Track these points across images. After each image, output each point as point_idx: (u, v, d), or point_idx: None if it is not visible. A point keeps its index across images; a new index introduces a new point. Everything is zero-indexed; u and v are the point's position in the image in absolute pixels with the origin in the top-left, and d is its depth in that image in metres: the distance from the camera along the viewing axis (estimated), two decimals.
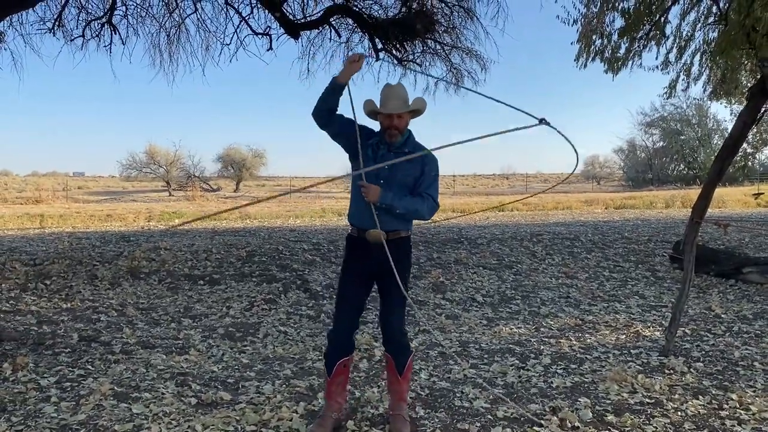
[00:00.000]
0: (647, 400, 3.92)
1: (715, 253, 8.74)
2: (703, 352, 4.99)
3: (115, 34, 9.91)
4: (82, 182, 54.34)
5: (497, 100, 3.64)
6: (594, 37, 8.28)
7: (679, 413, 3.71)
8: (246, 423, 3.51)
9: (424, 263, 8.89)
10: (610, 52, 8.27)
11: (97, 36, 9.92)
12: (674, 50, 8.76)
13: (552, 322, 6.07)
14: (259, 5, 9.66)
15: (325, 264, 8.69)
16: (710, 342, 5.31)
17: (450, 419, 3.62)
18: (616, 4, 7.96)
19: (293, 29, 9.48)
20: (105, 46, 10.01)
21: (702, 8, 8.48)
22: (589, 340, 5.40)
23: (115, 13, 9.76)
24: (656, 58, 8.65)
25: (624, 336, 5.56)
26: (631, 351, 5.04)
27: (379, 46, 9.86)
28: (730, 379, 4.35)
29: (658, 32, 8.01)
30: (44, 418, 3.52)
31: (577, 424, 3.54)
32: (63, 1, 9.46)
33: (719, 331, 5.69)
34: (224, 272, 8.10)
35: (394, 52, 10.01)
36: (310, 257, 9.05)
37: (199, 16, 10.07)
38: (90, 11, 9.81)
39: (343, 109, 3.45)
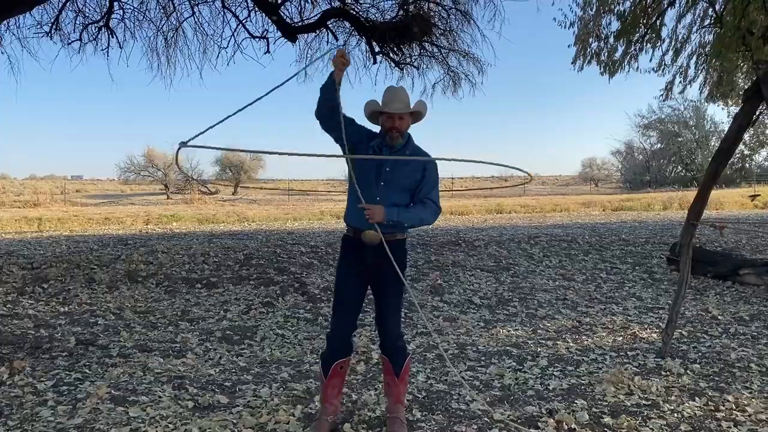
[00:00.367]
0: (644, 401, 3.93)
1: (712, 255, 8.75)
2: (700, 354, 5.00)
3: (113, 37, 9.95)
4: (80, 185, 54.29)
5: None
6: (591, 39, 8.33)
7: (676, 415, 3.72)
8: (243, 426, 3.51)
9: (422, 265, 8.90)
10: (606, 54, 8.32)
11: (94, 40, 9.95)
12: (670, 53, 8.81)
13: (549, 324, 6.08)
14: (256, 9, 9.68)
15: (323, 267, 8.70)
16: (707, 344, 5.32)
17: (447, 421, 3.63)
18: (613, 7, 8.01)
19: (290, 32, 9.51)
20: (102, 50, 10.05)
21: (698, 11, 8.54)
22: (586, 342, 5.41)
23: (113, 16, 9.79)
24: (651, 61, 8.71)
25: (621, 338, 5.57)
26: (628, 353, 5.05)
27: (377, 49, 9.89)
28: (726, 380, 4.36)
29: (653, 35, 8.05)
30: (41, 422, 3.52)
31: (573, 426, 3.54)
32: (60, 5, 9.48)
33: (716, 332, 5.70)
34: (222, 275, 8.10)
35: (391, 55, 10.05)
36: (308, 260, 9.05)
37: (196, 20, 10.11)
38: (87, 15, 9.85)
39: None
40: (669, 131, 46.05)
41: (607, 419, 3.64)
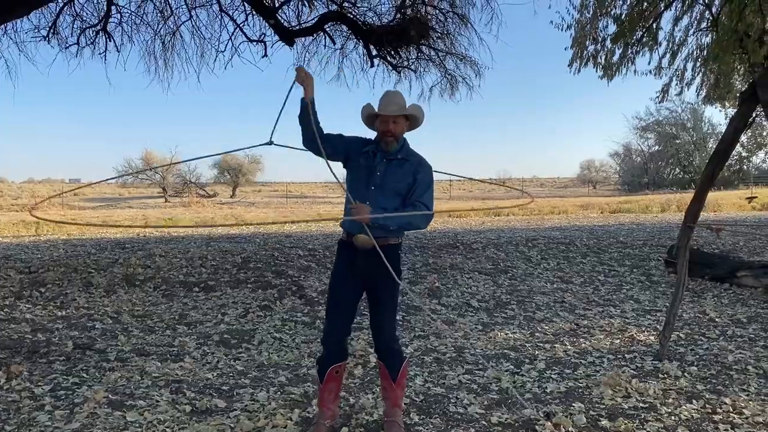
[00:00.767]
0: (641, 404, 3.93)
1: (709, 257, 8.76)
2: (697, 356, 5.01)
3: (110, 41, 9.95)
4: (78, 189, 54.21)
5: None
6: (587, 42, 8.33)
7: (673, 417, 3.72)
8: (240, 430, 3.51)
9: (420, 268, 8.90)
10: (603, 57, 8.32)
11: (91, 43, 9.95)
12: (667, 55, 8.81)
13: (547, 327, 6.08)
14: (253, 12, 9.69)
15: (320, 270, 8.69)
16: (704, 346, 5.32)
17: (444, 425, 3.63)
18: (610, 10, 8.01)
19: (288, 36, 9.52)
20: (100, 54, 10.05)
21: (694, 14, 8.55)
22: (583, 345, 5.41)
23: (110, 20, 9.80)
24: (649, 63, 8.71)
25: (618, 340, 5.57)
26: (626, 355, 5.05)
27: (374, 52, 9.90)
28: (723, 383, 4.36)
29: (650, 38, 8.06)
30: (38, 427, 3.52)
31: (571, 429, 3.55)
32: (57, 9, 9.48)
33: (713, 335, 5.70)
34: (219, 279, 8.09)
35: (388, 58, 10.06)
36: (305, 263, 9.05)
37: (193, 24, 10.11)
38: (85, 19, 9.85)
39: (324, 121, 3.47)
40: (667, 133, 46.14)
41: (604, 422, 3.64)
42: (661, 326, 5.30)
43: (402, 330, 5.86)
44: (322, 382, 3.47)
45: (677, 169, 46.52)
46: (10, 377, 4.33)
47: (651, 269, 9.23)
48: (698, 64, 9.00)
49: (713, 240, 11.34)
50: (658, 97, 9.41)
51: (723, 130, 5.37)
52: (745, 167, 40.71)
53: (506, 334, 5.83)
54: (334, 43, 10.21)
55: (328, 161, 3.41)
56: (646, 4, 7.65)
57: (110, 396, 3.98)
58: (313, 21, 9.81)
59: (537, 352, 5.16)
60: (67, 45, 9.88)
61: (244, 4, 9.81)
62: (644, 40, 8.10)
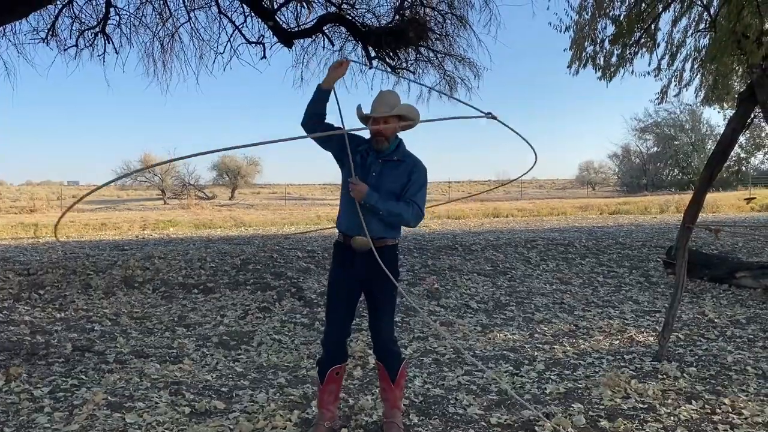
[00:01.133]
0: (640, 405, 3.93)
1: (708, 258, 8.77)
2: (696, 357, 5.01)
3: (109, 43, 9.96)
4: (77, 191, 54.14)
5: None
6: (586, 44, 8.34)
7: (672, 418, 3.72)
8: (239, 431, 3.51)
9: (419, 270, 8.90)
10: (602, 58, 8.33)
11: (90, 45, 9.96)
12: (666, 57, 8.83)
13: (546, 328, 6.08)
14: (252, 14, 9.70)
15: (319, 271, 8.69)
16: (703, 347, 5.33)
17: (444, 426, 3.63)
18: (608, 12, 8.03)
19: (287, 38, 9.52)
20: (99, 56, 10.05)
21: (693, 15, 8.56)
22: (582, 346, 5.42)
23: (109, 22, 9.80)
24: (649, 65, 8.72)
25: (618, 341, 5.58)
26: (625, 356, 5.05)
27: (373, 54, 9.91)
28: (722, 383, 4.37)
29: (649, 39, 8.07)
30: (37, 429, 3.52)
31: (570, 429, 3.55)
32: (56, 11, 9.48)
33: (712, 335, 5.71)
34: (218, 281, 8.09)
35: (387, 60, 10.07)
36: (304, 265, 9.05)
37: (192, 25, 10.12)
38: (83, 21, 9.86)
39: (331, 118, 3.47)
40: (665, 134, 46.16)
41: (603, 423, 3.64)
42: (660, 327, 5.30)
43: (401, 331, 5.86)
44: (322, 384, 3.47)
45: (676, 170, 46.53)
46: (9, 379, 4.33)
47: (650, 270, 9.24)
48: (697, 65, 9.01)
49: (712, 241, 11.35)
50: (657, 98, 9.42)
51: (721, 132, 5.38)
52: (743, 168, 40.70)
53: (505, 335, 5.83)
54: (333, 45, 10.23)
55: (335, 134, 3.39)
56: (644, 5, 7.66)
57: (109, 398, 3.98)
58: (312, 22, 9.82)
59: (536, 353, 5.16)
60: (66, 47, 9.90)
61: (242, 6, 9.82)
62: (643, 41, 8.12)
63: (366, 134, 3.52)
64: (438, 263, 9.38)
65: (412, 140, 4.44)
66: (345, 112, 3.52)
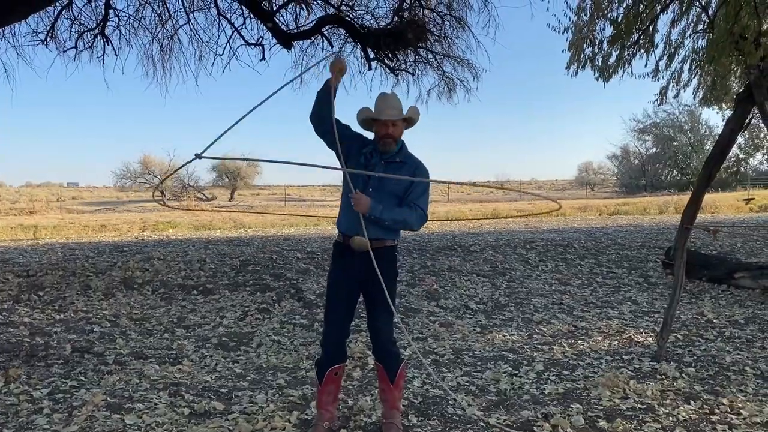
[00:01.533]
0: (639, 405, 3.94)
1: (707, 259, 8.78)
2: (695, 358, 5.02)
3: (108, 45, 9.96)
4: (76, 193, 54.21)
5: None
6: (585, 45, 8.37)
7: (671, 418, 3.73)
8: None
9: (418, 270, 8.91)
10: (600, 60, 8.36)
11: (89, 47, 9.96)
12: (664, 58, 8.86)
13: (545, 329, 6.09)
14: (251, 16, 9.71)
15: (319, 272, 8.70)
16: (702, 347, 5.34)
17: (443, 427, 3.63)
18: (606, 13, 8.05)
19: (286, 39, 9.53)
20: (98, 57, 10.06)
21: (691, 16, 8.59)
22: (581, 347, 5.42)
23: (108, 24, 9.81)
24: (645, 66, 8.75)
25: (616, 342, 5.59)
26: (624, 357, 5.06)
27: (372, 55, 9.92)
28: (721, 383, 4.37)
29: (647, 40, 8.10)
30: (36, 430, 3.52)
31: (569, 430, 3.55)
32: (56, 13, 9.49)
33: (711, 336, 5.72)
34: (218, 282, 8.10)
35: (386, 61, 10.08)
36: (303, 266, 9.05)
37: (191, 27, 10.13)
38: (83, 23, 9.86)
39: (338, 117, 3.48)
40: (664, 135, 46.20)
41: (602, 423, 3.65)
42: (659, 327, 5.31)
43: (399, 332, 5.86)
44: (321, 384, 3.47)
45: (675, 171, 46.57)
46: (8, 381, 4.33)
47: (649, 271, 9.25)
48: (695, 66, 9.04)
49: (711, 241, 11.36)
50: (656, 99, 9.46)
51: (720, 132, 5.40)
52: (742, 169, 40.76)
53: (504, 336, 5.84)
54: (332, 46, 10.23)
55: (337, 144, 3.40)
56: (642, 6, 7.68)
57: (108, 399, 3.98)
58: (311, 24, 9.83)
59: (535, 354, 5.17)
60: (65, 48, 9.90)
61: (241, 8, 9.83)
62: (641, 42, 8.14)
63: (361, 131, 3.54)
64: (437, 264, 9.39)
65: (411, 140, 4.43)
66: (344, 114, 3.53)
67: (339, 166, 3.39)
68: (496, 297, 7.54)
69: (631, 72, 8.72)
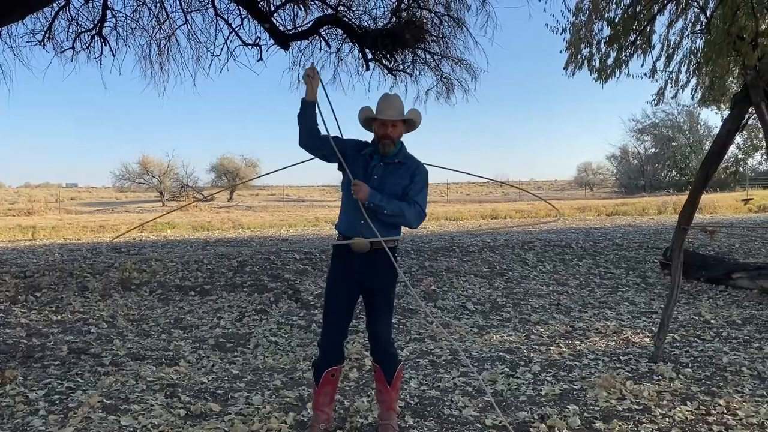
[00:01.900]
0: (635, 406, 3.94)
1: (705, 259, 8.78)
2: (692, 358, 5.02)
3: (105, 45, 9.94)
4: (75, 193, 54.19)
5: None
6: (582, 45, 8.36)
7: (667, 419, 3.73)
8: None
9: (416, 271, 8.90)
10: (598, 60, 8.34)
11: (87, 48, 9.94)
12: (662, 58, 8.84)
13: (542, 330, 6.09)
14: (249, 16, 9.70)
15: (316, 273, 8.69)
16: (699, 348, 5.34)
17: (439, 428, 3.63)
18: (604, 13, 8.04)
19: (283, 40, 9.52)
20: (95, 58, 10.04)
21: (689, 17, 8.58)
22: (579, 347, 5.42)
23: (105, 24, 9.78)
24: (642, 66, 8.73)
25: (614, 343, 5.58)
26: (621, 357, 5.06)
27: (369, 56, 9.91)
28: (718, 384, 4.37)
29: (644, 41, 8.09)
30: None
31: (565, 431, 3.55)
32: (53, 14, 9.48)
33: (708, 336, 5.72)
34: (215, 283, 8.09)
35: (384, 62, 10.06)
36: (301, 267, 9.05)
37: (189, 28, 10.11)
38: (80, 23, 9.84)
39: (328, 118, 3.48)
40: (663, 136, 46.23)
41: (598, 424, 3.65)
42: (657, 328, 5.31)
43: (397, 333, 5.86)
44: (318, 386, 3.47)
45: (674, 171, 46.60)
46: (4, 382, 4.32)
47: (647, 271, 9.25)
48: (693, 66, 9.03)
49: (709, 242, 11.37)
50: (654, 100, 9.44)
51: (717, 133, 5.40)
52: (740, 169, 40.79)
53: (501, 336, 5.84)
54: (330, 47, 10.22)
55: (340, 158, 3.42)
56: (639, 7, 7.68)
57: (105, 400, 3.98)
58: (309, 25, 9.82)
59: (532, 355, 5.17)
60: (63, 49, 9.88)
61: (239, 8, 9.82)
62: (638, 42, 8.13)
63: (362, 135, 3.55)
64: (435, 265, 9.39)
65: (411, 140, 4.43)
66: (343, 115, 3.54)
67: (341, 185, 3.42)
68: (494, 298, 7.53)
69: (629, 72, 8.71)
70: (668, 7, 8.18)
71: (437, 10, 9.81)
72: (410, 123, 3.50)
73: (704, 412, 3.84)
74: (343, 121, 3.62)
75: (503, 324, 6.34)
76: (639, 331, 5.99)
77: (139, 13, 9.94)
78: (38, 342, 5.51)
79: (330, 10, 9.76)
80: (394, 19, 9.54)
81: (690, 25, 8.71)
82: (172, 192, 41.60)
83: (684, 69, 9.09)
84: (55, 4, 9.13)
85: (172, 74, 10.70)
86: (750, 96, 4.90)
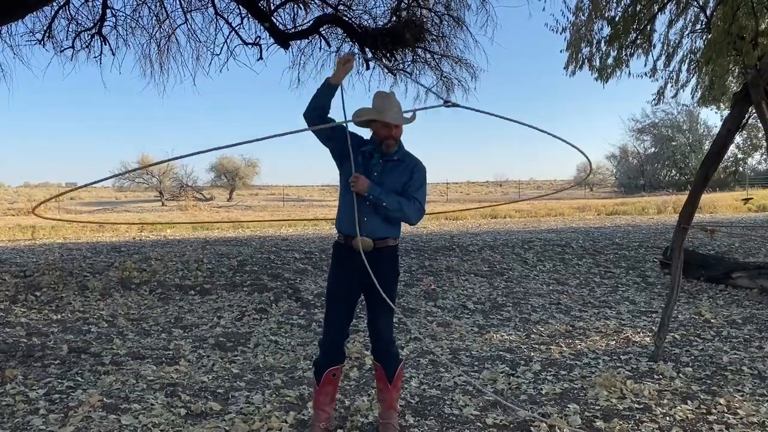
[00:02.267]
0: (636, 405, 3.94)
1: (705, 259, 8.79)
2: (692, 357, 5.02)
3: (105, 44, 9.95)
4: (75, 193, 54.12)
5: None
6: (582, 45, 8.36)
7: (668, 418, 3.73)
8: None
9: (416, 271, 8.90)
10: (598, 60, 8.35)
11: (87, 47, 9.95)
12: (662, 58, 8.85)
13: (543, 329, 6.09)
14: (249, 16, 9.70)
15: (316, 273, 8.69)
16: (699, 347, 5.34)
17: (440, 427, 3.63)
18: (604, 13, 8.05)
19: (283, 39, 9.53)
20: (95, 57, 10.05)
21: (689, 16, 8.59)
22: (579, 347, 5.42)
23: (105, 24, 9.79)
24: (645, 65, 8.74)
25: (614, 342, 5.58)
26: (621, 357, 5.06)
27: (369, 55, 9.91)
28: (718, 383, 4.38)
29: (644, 40, 8.09)
30: (32, 431, 3.51)
31: (566, 430, 3.55)
32: (53, 13, 9.48)
33: (708, 336, 5.72)
34: (215, 282, 8.08)
35: (384, 61, 10.07)
36: (301, 266, 9.05)
37: (189, 27, 10.13)
38: (80, 22, 9.86)
39: (335, 113, 3.48)
40: (663, 135, 46.25)
41: (599, 423, 3.64)
42: (657, 327, 5.31)
43: (398, 332, 5.86)
44: (318, 385, 3.47)
45: (673, 170, 46.63)
46: (4, 381, 4.32)
47: (647, 271, 9.25)
48: (693, 66, 9.04)
49: (709, 241, 11.37)
50: (654, 99, 9.45)
51: (717, 132, 5.40)
52: (740, 169, 40.80)
53: (502, 335, 5.84)
54: (330, 46, 10.24)
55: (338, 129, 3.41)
56: (640, 6, 7.68)
57: (105, 399, 3.98)
58: (309, 24, 9.83)
59: (532, 354, 5.17)
60: (63, 48, 9.89)
61: (239, 8, 9.83)
62: (638, 42, 8.14)
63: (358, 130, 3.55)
64: (435, 264, 9.39)
65: (410, 140, 4.44)
66: (342, 115, 3.53)
67: (340, 184, 3.40)
68: (494, 297, 7.53)
69: (629, 72, 8.72)
70: (668, 6, 8.19)
71: (437, 10, 9.82)
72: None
73: (705, 411, 3.84)
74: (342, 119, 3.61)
75: (503, 323, 6.34)
76: (639, 330, 5.99)
77: (139, 12, 9.96)
78: (38, 341, 5.51)
79: (330, 10, 9.77)
80: (394, 18, 9.55)
81: (690, 24, 8.72)
82: (171, 192, 41.60)
83: (684, 68, 9.10)
84: (54, 3, 9.14)
85: (172, 73, 10.73)
86: (750, 95, 4.90)
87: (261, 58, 10.07)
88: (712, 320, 6.31)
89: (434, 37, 9.99)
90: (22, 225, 18.79)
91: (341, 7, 9.82)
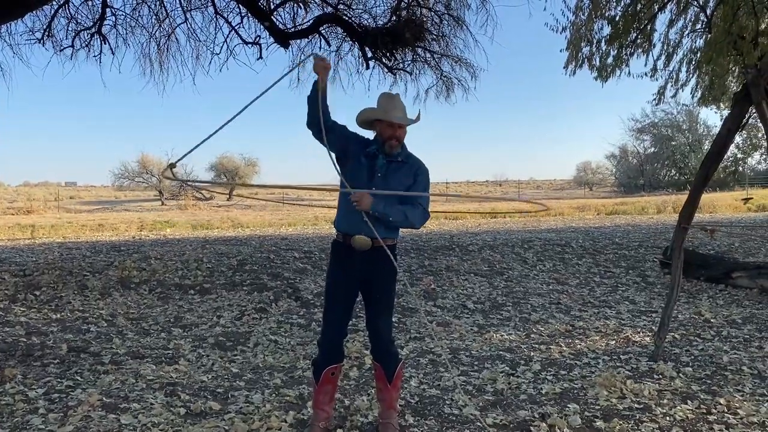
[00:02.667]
0: (636, 405, 3.93)
1: (705, 258, 8.78)
2: (692, 357, 5.02)
3: (105, 44, 9.94)
4: (74, 192, 54.18)
5: None
6: (582, 44, 8.36)
7: (668, 418, 3.72)
8: None
9: (416, 270, 8.90)
10: (598, 59, 8.35)
11: (86, 46, 9.94)
12: (662, 57, 8.85)
13: (542, 329, 6.08)
14: (248, 15, 9.69)
15: (316, 272, 8.68)
16: (699, 347, 5.33)
17: (440, 426, 3.63)
18: (604, 12, 8.05)
19: (283, 38, 9.52)
20: (95, 56, 10.04)
21: (689, 16, 8.59)
22: (579, 346, 5.42)
23: (105, 23, 9.78)
24: (645, 65, 8.74)
25: (614, 342, 5.58)
26: (621, 356, 5.05)
27: (369, 54, 9.91)
28: (718, 383, 4.37)
29: (644, 39, 8.09)
30: (31, 430, 3.51)
31: (566, 430, 3.55)
32: (52, 12, 9.47)
33: (708, 335, 5.71)
34: (215, 281, 8.08)
35: (384, 60, 10.06)
36: (301, 265, 9.04)
37: (189, 26, 10.12)
38: (79, 21, 9.85)
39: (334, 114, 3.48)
40: (662, 135, 46.23)
41: (599, 423, 3.64)
42: (657, 327, 5.31)
43: (397, 332, 5.86)
44: (318, 384, 3.46)
45: (673, 170, 46.61)
46: (3, 380, 4.31)
47: (647, 270, 9.25)
48: (693, 65, 9.04)
49: (709, 241, 11.37)
50: (654, 99, 9.45)
51: (717, 132, 5.40)
52: (740, 169, 40.78)
53: (502, 335, 5.83)
54: (330, 45, 10.23)
55: (331, 153, 3.41)
56: (640, 5, 7.68)
57: (104, 399, 3.97)
58: (309, 23, 9.82)
59: (532, 354, 5.16)
60: (62, 47, 9.88)
61: (239, 7, 9.82)
62: (638, 41, 8.14)
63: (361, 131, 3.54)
64: (435, 264, 9.38)
65: (410, 140, 4.44)
66: (342, 113, 3.53)
67: (340, 184, 3.40)
68: (494, 296, 7.53)
69: (629, 72, 8.72)
70: (668, 6, 8.18)
71: (437, 9, 9.82)
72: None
73: (705, 411, 3.84)
74: (342, 119, 3.61)
75: (503, 323, 6.34)
76: (639, 330, 5.98)
77: (139, 12, 9.95)
78: (38, 340, 5.50)
79: (330, 9, 9.76)
80: (394, 17, 9.55)
81: (690, 24, 8.72)
82: (171, 191, 41.56)
83: (684, 68, 9.11)
84: (54, 2, 9.13)
85: (172, 72, 10.73)
86: (750, 95, 4.89)
87: (261, 57, 10.06)
88: (712, 320, 6.30)
89: (434, 37, 9.98)
90: (22, 224, 18.77)
91: (341, 7, 9.81)
